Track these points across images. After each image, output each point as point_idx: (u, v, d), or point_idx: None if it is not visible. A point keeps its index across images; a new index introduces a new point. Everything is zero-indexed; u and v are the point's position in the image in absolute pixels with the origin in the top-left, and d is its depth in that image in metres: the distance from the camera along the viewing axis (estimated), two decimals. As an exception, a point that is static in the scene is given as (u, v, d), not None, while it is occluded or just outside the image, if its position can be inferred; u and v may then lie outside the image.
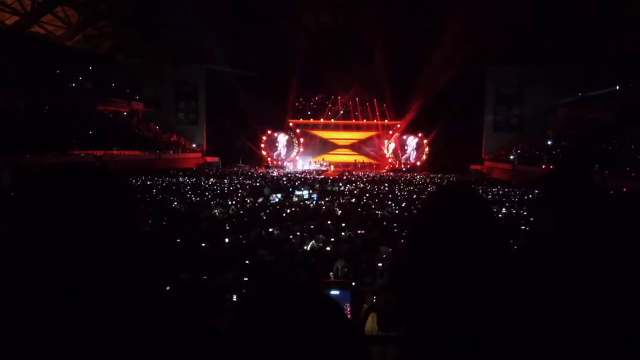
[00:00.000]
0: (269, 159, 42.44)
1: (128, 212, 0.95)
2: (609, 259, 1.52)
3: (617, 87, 27.30)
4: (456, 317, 0.94)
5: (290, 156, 43.09)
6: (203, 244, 8.77)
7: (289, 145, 43.25)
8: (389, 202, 15.93)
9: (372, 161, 42.25)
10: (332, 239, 9.13)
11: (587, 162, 21.86)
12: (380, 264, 6.93)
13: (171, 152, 36.18)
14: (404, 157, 41.73)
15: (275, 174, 32.71)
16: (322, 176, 30.96)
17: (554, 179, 1.92)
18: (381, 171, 38.99)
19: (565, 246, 1.65)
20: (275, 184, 22.69)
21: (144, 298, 0.95)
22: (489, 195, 20.03)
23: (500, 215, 12.76)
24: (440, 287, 0.96)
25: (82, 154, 26.38)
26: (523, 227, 10.03)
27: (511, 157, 33.08)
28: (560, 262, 1.60)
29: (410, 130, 41.16)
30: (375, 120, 42.62)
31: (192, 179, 26.22)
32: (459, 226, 0.99)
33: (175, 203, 14.89)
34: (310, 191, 17.33)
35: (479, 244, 0.98)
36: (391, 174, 36.68)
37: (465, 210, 1.02)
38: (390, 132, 42.29)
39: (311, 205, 15.11)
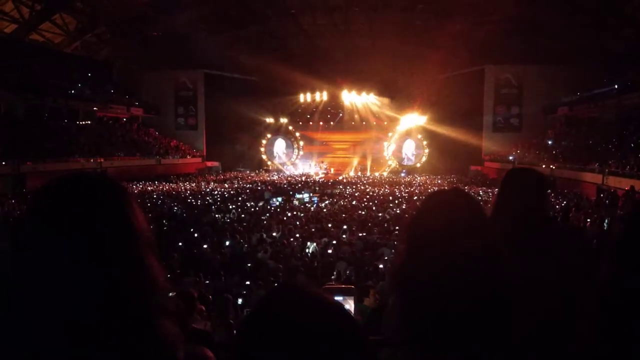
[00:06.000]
0: (269, 162, 42.43)
1: (133, 221, 0.83)
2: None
3: (616, 86, 27.26)
4: (456, 320, 0.94)
5: (290, 160, 43.09)
6: (205, 246, 8.76)
7: (289, 148, 43.25)
8: (390, 204, 15.93)
9: (371, 164, 42.19)
10: (334, 242, 9.11)
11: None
12: (381, 266, 6.93)
13: (171, 157, 36.19)
14: (403, 159, 41.66)
15: (275, 177, 32.69)
16: (323, 179, 30.95)
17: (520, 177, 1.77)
18: (381, 173, 38.99)
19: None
20: (276, 188, 22.68)
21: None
22: (489, 196, 19.99)
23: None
24: (438, 290, 0.97)
25: (81, 161, 26.40)
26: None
27: (511, 157, 33.02)
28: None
29: (410, 131, 41.12)
30: (374, 123, 42.57)
31: (193, 183, 26.22)
32: (454, 230, 1.00)
33: (177, 208, 14.89)
34: (311, 194, 17.33)
35: (474, 247, 0.99)
36: (391, 175, 36.66)
37: (460, 215, 1.03)
38: (390, 134, 42.25)
39: (312, 208, 15.10)
